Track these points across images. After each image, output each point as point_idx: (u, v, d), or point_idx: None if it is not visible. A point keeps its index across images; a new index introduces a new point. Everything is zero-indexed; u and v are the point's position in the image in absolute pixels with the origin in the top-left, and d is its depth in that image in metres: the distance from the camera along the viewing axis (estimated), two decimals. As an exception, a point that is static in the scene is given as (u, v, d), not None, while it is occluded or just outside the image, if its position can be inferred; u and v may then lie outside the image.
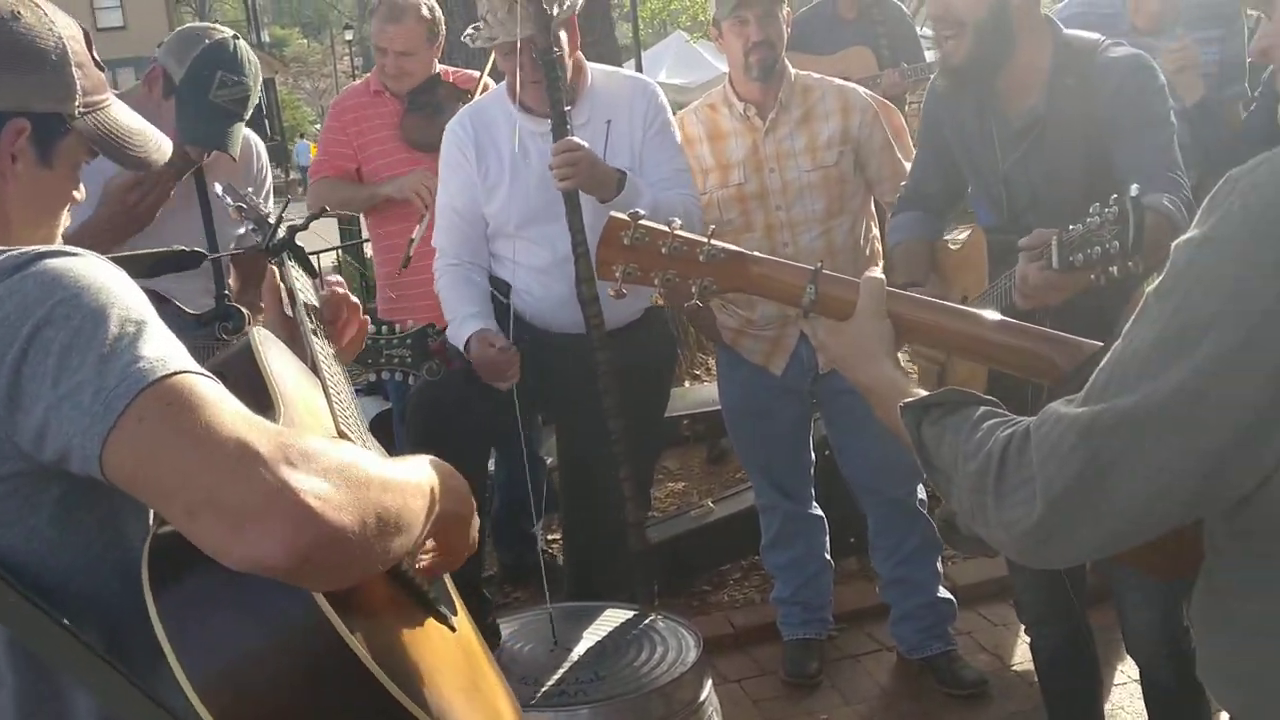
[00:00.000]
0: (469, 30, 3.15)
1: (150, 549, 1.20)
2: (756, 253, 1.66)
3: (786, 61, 3.40)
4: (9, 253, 1.20)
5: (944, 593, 3.64)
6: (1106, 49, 2.53)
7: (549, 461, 4.21)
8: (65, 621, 1.17)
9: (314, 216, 2.30)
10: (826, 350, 1.62)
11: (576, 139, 2.94)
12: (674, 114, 3.39)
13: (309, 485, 1.10)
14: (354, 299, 1.79)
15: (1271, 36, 1.28)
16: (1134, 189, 1.87)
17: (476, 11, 3.13)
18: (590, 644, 2.78)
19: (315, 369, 1.56)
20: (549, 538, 4.44)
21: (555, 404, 3.45)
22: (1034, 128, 2.53)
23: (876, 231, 3.58)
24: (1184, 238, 1.11)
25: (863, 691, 3.67)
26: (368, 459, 1.21)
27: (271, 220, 2.06)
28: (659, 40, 22.61)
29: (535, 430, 4.12)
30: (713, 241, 1.63)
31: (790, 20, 3.41)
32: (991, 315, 1.59)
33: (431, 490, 1.31)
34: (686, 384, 5.97)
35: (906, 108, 5.79)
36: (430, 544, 1.43)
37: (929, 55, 5.50)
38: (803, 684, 3.66)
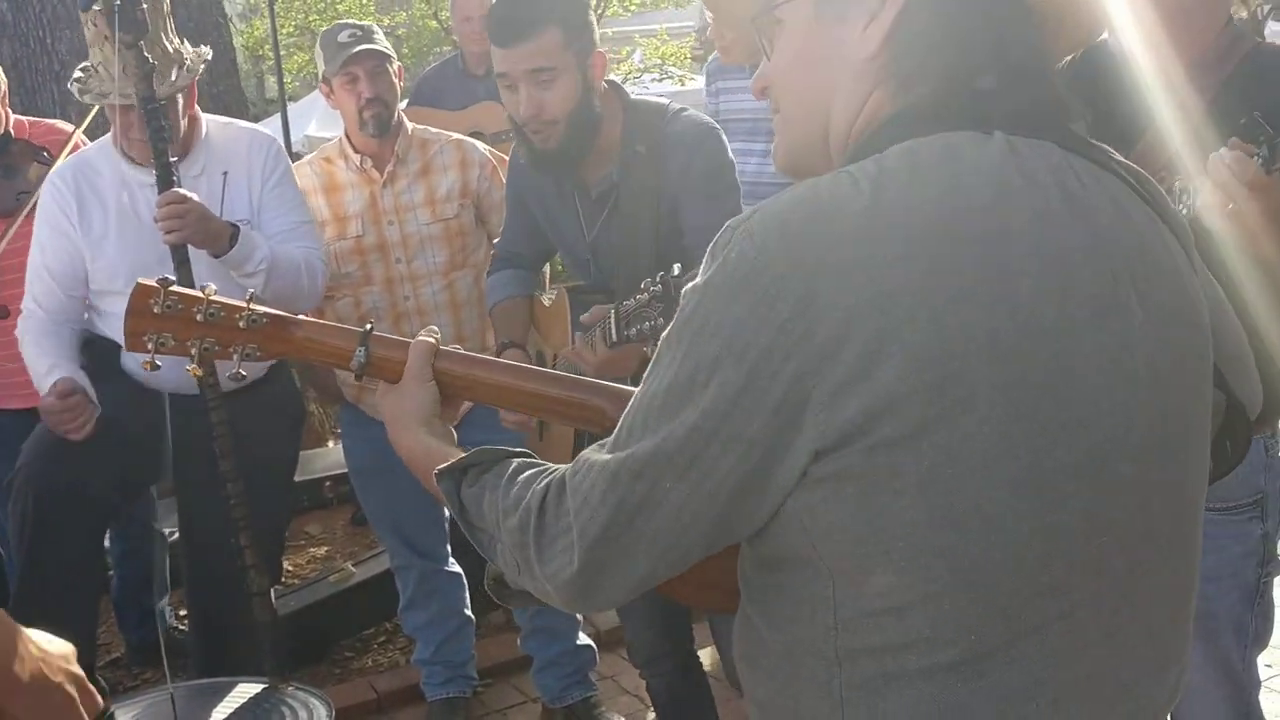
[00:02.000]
0: (76, 75, 2.97)
1: None
2: (302, 316, 1.60)
3: (403, 115, 3.38)
4: None
5: (584, 639, 3.67)
6: (673, 117, 2.59)
7: (168, 533, 3.97)
8: None
9: None
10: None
11: (183, 190, 2.82)
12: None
13: None
14: None
15: (769, 75, 1.30)
16: (676, 268, 1.96)
17: (55, 58, 2.97)
18: (215, 722, 2.63)
19: None
20: (180, 613, 4.18)
21: (175, 469, 3.26)
22: (610, 195, 2.58)
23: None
24: (690, 285, 1.14)
25: (508, 746, 3.64)
26: None
27: None
28: (307, 93, 22.17)
29: (149, 501, 3.88)
30: (253, 306, 1.56)
31: (401, 74, 3.38)
32: (544, 370, 1.62)
33: None
34: (330, 444, 5.80)
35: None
36: None
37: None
38: (448, 744, 3.58)
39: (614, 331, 2.11)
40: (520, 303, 2.87)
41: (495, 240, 3.45)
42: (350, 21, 3.38)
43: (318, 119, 17.75)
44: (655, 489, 1.12)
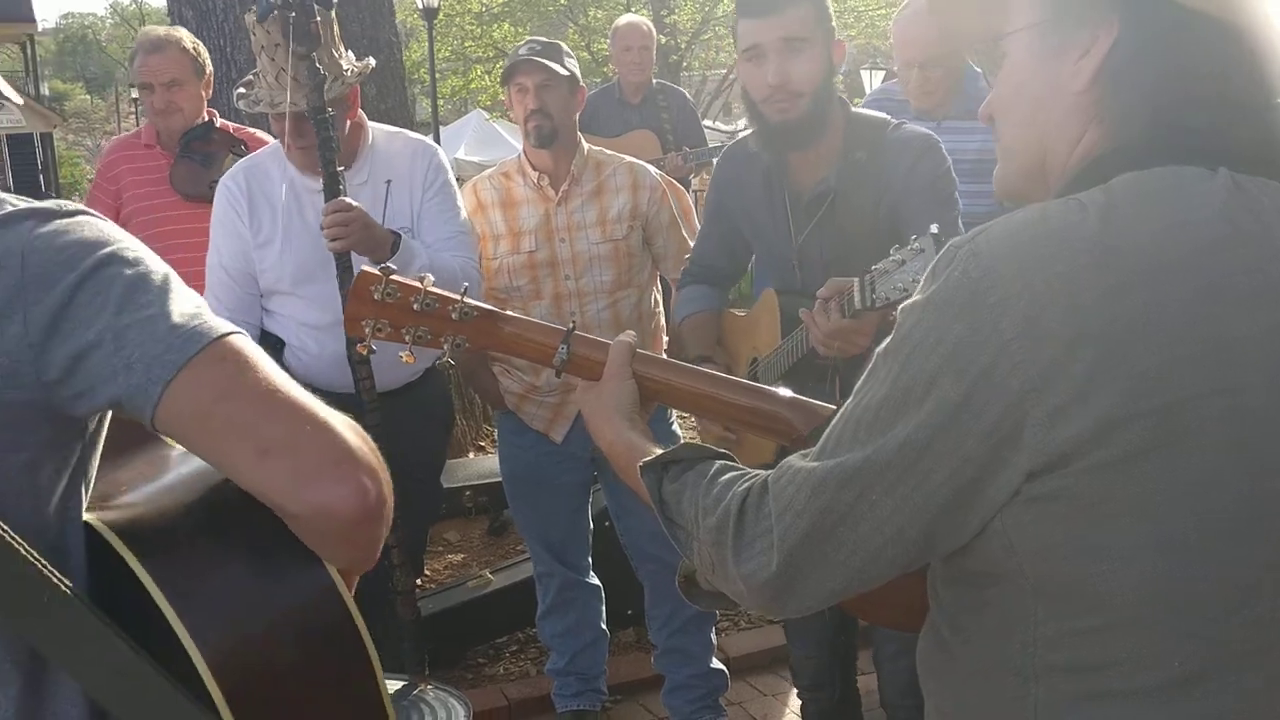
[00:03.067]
0: (239, 89, 3.09)
1: (113, 526, 1.20)
2: (510, 312, 1.67)
3: (581, 136, 3.47)
4: (38, 204, 1.19)
5: (716, 663, 3.69)
6: (896, 128, 2.64)
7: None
8: (66, 582, 1.12)
9: None
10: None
11: (349, 199, 2.91)
12: (467, 183, 3.41)
13: (373, 459, 1.18)
14: None
15: (993, 105, 1.33)
16: (934, 227, 1.97)
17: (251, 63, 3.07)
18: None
19: None
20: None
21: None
22: (824, 199, 2.61)
23: (661, 306, 3.67)
24: (909, 301, 1.17)
25: (634, 763, 3.68)
26: None
27: None
28: (458, 117, 22.68)
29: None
30: (466, 299, 1.63)
31: (583, 97, 3.48)
32: (737, 380, 1.66)
33: None
34: (471, 454, 5.93)
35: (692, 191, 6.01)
36: None
37: (715, 138, 5.72)
38: (576, 757, 3.63)
39: (858, 297, 2.12)
40: (709, 317, 2.92)
41: (660, 263, 3.54)
42: (540, 39, 3.47)
43: (467, 143, 18.24)
44: (861, 500, 1.15)
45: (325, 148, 2.89)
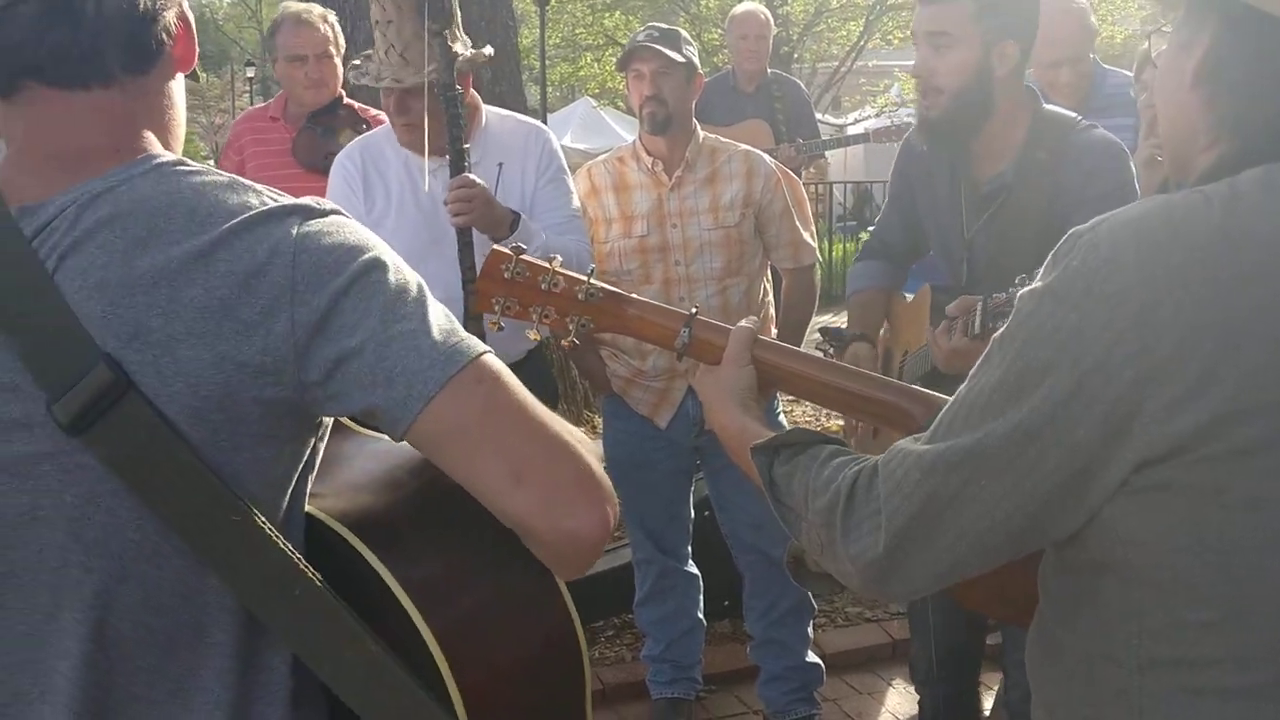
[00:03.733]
0: (354, 62, 3.09)
1: (340, 518, 1.25)
2: (634, 294, 1.69)
3: (696, 123, 3.46)
4: (296, 201, 1.21)
5: (812, 657, 3.67)
6: (1084, 129, 2.56)
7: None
8: (308, 566, 1.16)
9: None
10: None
11: (472, 175, 2.93)
12: (574, 171, 3.42)
13: (608, 481, 1.21)
14: None
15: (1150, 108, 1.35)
16: None
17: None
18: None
19: None
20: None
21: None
22: (1000, 194, 2.57)
23: (771, 295, 3.64)
24: (1027, 289, 1.17)
25: (727, 753, 3.67)
26: None
27: None
28: (566, 105, 22.82)
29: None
30: (592, 280, 1.66)
31: (700, 84, 3.46)
32: (858, 369, 1.66)
33: None
34: (571, 439, 5.95)
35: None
36: None
37: (824, 132, 5.67)
38: (668, 743, 3.63)
39: (978, 322, 2.11)
40: (879, 295, 2.89)
41: (771, 252, 3.52)
42: (660, 25, 3.47)
43: (573, 130, 18.35)
44: (970, 484, 1.15)
45: (454, 124, 2.91)
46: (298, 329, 1.14)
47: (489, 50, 3.15)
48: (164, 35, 1.23)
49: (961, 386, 1.21)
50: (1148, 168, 2.82)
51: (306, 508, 1.27)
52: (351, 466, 1.38)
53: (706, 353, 1.63)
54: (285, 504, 1.23)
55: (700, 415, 3.43)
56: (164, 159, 1.21)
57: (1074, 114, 2.64)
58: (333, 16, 4.07)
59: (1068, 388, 1.09)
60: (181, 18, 1.26)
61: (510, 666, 1.24)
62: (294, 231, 1.16)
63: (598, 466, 1.20)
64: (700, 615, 3.76)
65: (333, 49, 4.00)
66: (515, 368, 3.19)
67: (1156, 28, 1.32)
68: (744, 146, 3.55)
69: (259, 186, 1.21)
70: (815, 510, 1.29)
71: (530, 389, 3.54)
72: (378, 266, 1.19)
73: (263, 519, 1.15)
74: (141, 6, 1.20)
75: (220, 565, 1.14)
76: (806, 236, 3.57)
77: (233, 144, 4.22)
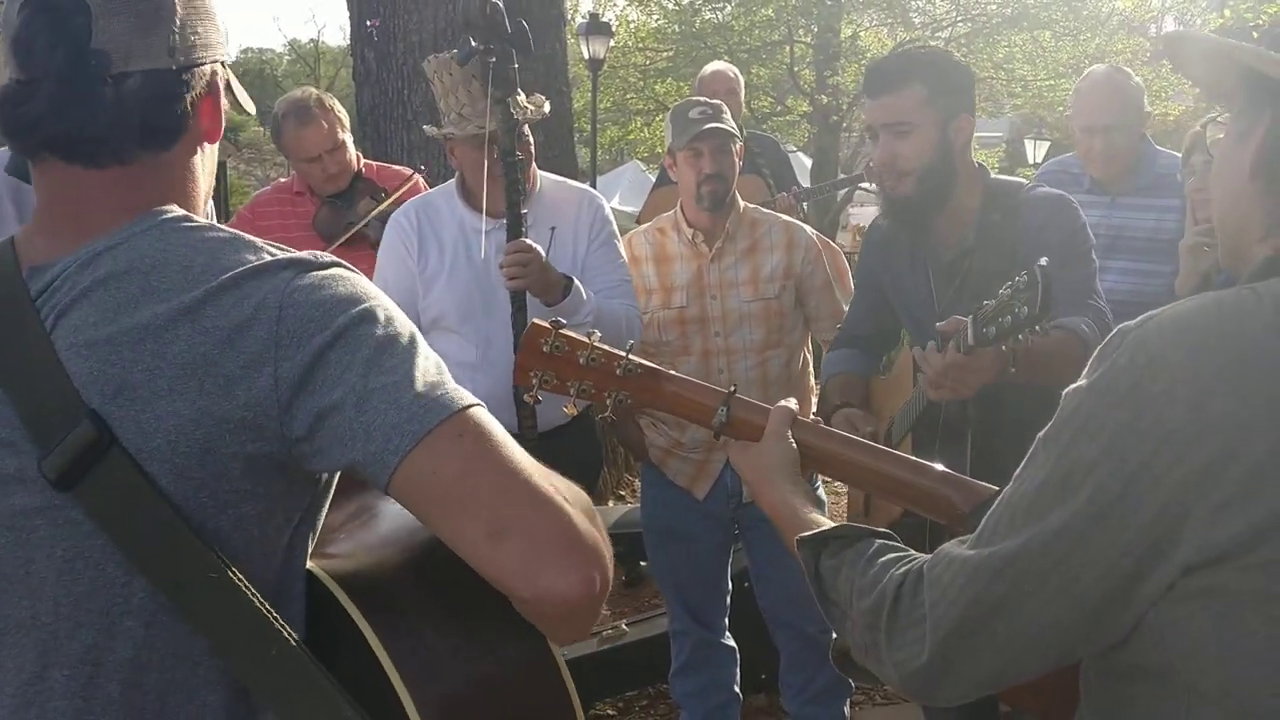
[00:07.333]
0: (426, 127, 3.17)
1: (335, 575, 1.23)
2: (673, 371, 1.69)
3: (737, 194, 3.47)
4: (295, 254, 1.21)
5: (848, 736, 3.61)
6: (1030, 189, 2.67)
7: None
8: (292, 634, 1.15)
9: None
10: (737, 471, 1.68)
11: (529, 241, 2.97)
12: (623, 235, 3.44)
13: (600, 543, 1.17)
14: None
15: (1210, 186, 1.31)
16: (1042, 260, 1.95)
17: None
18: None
19: None
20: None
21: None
22: (963, 261, 2.62)
23: (811, 366, 3.63)
24: (1073, 386, 1.14)
25: (759, 830, 3.61)
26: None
27: None
28: (615, 167, 23.01)
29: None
30: (630, 356, 1.66)
31: (743, 154, 3.48)
32: (898, 454, 1.64)
33: None
34: (610, 503, 5.94)
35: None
36: None
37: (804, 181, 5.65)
38: (700, 817, 3.57)
39: (970, 334, 2.10)
40: (853, 379, 2.91)
41: (811, 324, 3.51)
42: (701, 99, 3.48)
43: (621, 193, 18.48)
44: (1015, 590, 1.12)
45: (512, 190, 2.97)
46: (281, 384, 1.14)
47: (546, 106, 3.19)
48: (189, 111, 1.25)
49: (1008, 487, 1.18)
50: (1193, 255, 2.81)
51: (310, 565, 1.26)
52: (376, 524, 1.38)
53: (745, 432, 1.63)
54: (279, 561, 1.22)
55: (738, 487, 3.41)
56: (169, 215, 1.22)
57: (1020, 180, 2.71)
58: (329, 98, 4.00)
59: (1114, 489, 1.07)
60: (211, 88, 1.27)
61: None
62: (285, 286, 1.16)
63: (586, 526, 1.15)
64: (736, 689, 3.71)
65: (340, 133, 3.95)
66: (562, 431, 3.25)
67: (1211, 118, 1.31)
68: (784, 217, 3.56)
69: (260, 242, 1.21)
70: (860, 611, 1.27)
71: (576, 453, 3.54)
72: (367, 319, 1.17)
73: (240, 577, 1.13)
74: (164, 88, 1.22)
75: (198, 623, 1.14)
76: (847, 308, 3.56)
77: (258, 210, 4.14)
